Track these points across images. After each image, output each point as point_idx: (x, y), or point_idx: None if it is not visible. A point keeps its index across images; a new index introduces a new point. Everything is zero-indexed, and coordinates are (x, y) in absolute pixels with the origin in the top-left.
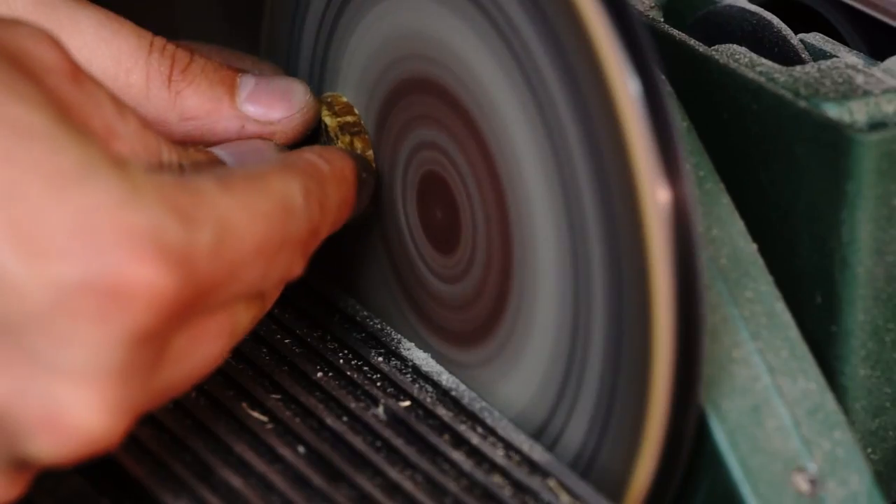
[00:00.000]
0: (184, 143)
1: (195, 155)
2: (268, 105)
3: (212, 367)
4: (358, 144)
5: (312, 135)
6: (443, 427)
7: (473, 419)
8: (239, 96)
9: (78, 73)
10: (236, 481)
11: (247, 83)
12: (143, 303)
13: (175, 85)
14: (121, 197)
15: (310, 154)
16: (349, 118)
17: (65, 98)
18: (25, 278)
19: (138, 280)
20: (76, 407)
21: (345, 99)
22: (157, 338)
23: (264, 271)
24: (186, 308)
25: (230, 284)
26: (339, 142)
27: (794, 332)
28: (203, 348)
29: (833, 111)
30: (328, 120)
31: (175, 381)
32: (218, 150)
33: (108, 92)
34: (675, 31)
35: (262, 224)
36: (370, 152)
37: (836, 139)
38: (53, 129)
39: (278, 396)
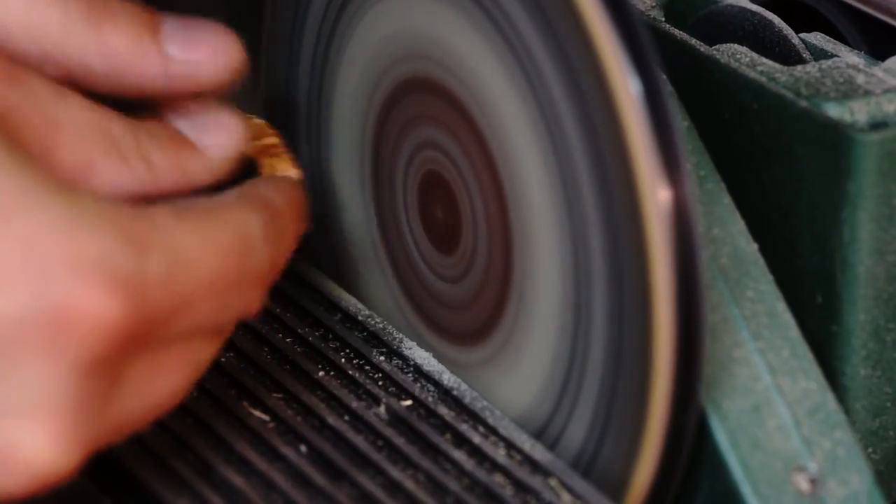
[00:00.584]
0: (107, 87)
1: (152, 128)
2: (189, 46)
3: (174, 400)
4: (279, 166)
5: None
6: (444, 426)
7: (475, 418)
8: (161, 34)
9: (9, 70)
10: (238, 480)
11: (171, 25)
12: (90, 332)
13: (96, 20)
14: (67, 223)
15: (265, 188)
16: (267, 140)
17: (3, 107)
18: None
19: (85, 309)
20: (27, 442)
21: (259, 120)
22: (107, 368)
23: (221, 305)
24: (136, 337)
25: (183, 316)
26: (261, 166)
27: (794, 332)
28: (162, 381)
29: (834, 111)
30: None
31: (133, 414)
32: (178, 121)
33: (44, 79)
34: (676, 31)
35: (218, 257)
36: (292, 171)
37: (836, 139)
38: None
39: (280, 395)
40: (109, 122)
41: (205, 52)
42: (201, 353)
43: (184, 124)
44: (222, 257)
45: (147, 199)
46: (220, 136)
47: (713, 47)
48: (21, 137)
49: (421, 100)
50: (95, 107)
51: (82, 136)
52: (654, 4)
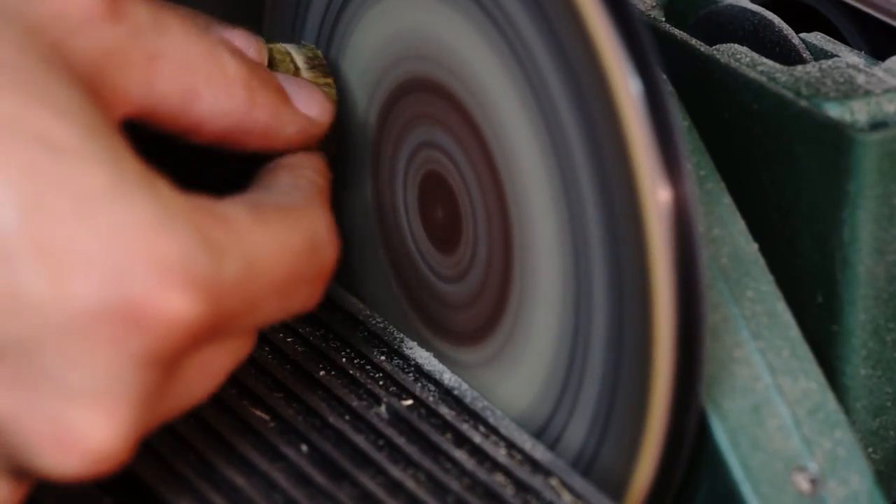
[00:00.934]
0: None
1: (263, 70)
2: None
3: (212, 392)
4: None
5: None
6: (445, 426)
7: (476, 418)
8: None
9: (114, 7)
10: (239, 479)
11: (287, 85)
12: (163, 331)
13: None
14: (150, 220)
15: (311, 173)
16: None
17: (101, 52)
18: (46, 298)
19: (161, 308)
20: (85, 426)
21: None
22: (171, 364)
23: (285, 305)
24: (204, 337)
25: (248, 317)
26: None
27: (795, 332)
28: (211, 374)
29: (834, 111)
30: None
31: (180, 404)
32: (283, 81)
33: (144, 9)
34: (676, 31)
35: (290, 260)
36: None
37: (837, 139)
38: (83, 142)
39: (281, 395)
40: (217, 47)
41: (316, 108)
42: (245, 348)
43: (286, 86)
44: (294, 261)
45: (241, 131)
46: (313, 108)
47: (713, 47)
48: (122, 76)
49: (421, 100)
50: (198, 35)
51: (184, 64)
52: (654, 4)
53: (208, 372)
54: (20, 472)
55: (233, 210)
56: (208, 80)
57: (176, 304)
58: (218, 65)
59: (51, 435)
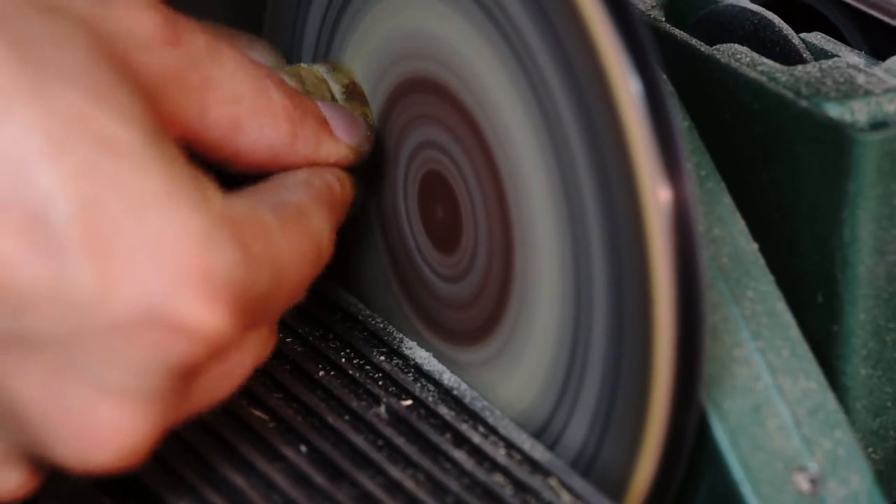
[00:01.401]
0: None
1: (307, 102)
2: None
3: (234, 389)
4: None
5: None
6: (444, 426)
7: (475, 418)
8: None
9: (175, 34)
10: (238, 480)
11: (328, 112)
12: (201, 343)
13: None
14: (201, 233)
15: (330, 177)
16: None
17: (161, 72)
18: (94, 296)
19: (203, 323)
20: (113, 422)
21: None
22: (196, 371)
23: (286, 305)
24: (230, 348)
25: (265, 319)
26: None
27: (795, 332)
28: (231, 375)
29: (834, 111)
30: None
31: (199, 405)
32: (325, 109)
33: (200, 37)
34: (676, 31)
35: (302, 267)
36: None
37: (837, 139)
38: (143, 147)
39: (280, 395)
40: (265, 81)
41: (356, 138)
42: (267, 347)
43: (327, 114)
44: (305, 266)
45: (280, 161)
46: (354, 137)
47: (713, 47)
48: (182, 98)
49: (422, 99)
50: (250, 65)
51: (233, 94)
52: (654, 4)
53: (228, 373)
54: (38, 462)
55: (267, 214)
56: (254, 112)
57: (215, 320)
58: (265, 98)
59: (78, 427)
